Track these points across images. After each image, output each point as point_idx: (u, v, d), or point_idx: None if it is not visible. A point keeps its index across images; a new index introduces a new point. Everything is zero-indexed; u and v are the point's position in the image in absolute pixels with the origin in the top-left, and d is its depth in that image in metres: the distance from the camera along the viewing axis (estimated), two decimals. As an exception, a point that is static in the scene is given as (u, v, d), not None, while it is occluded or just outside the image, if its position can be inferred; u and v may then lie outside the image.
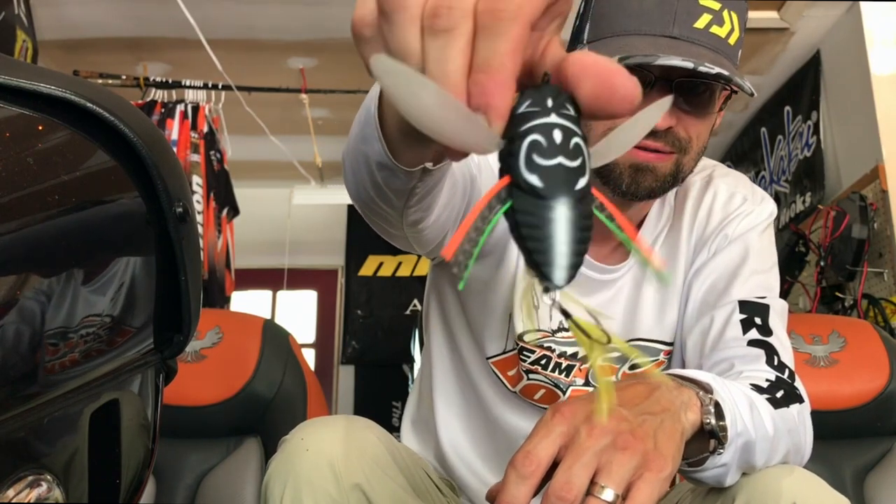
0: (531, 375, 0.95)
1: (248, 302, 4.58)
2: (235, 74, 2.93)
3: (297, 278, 4.30)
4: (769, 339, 0.83)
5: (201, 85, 3.00)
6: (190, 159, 2.88)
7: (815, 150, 2.94)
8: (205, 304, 2.84)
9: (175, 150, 2.60)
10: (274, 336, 1.45)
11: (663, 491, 0.55)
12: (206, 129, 2.98)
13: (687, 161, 0.86)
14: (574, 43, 0.88)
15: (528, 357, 0.94)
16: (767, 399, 0.74)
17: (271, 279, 4.29)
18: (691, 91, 0.82)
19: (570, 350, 0.94)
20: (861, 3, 2.65)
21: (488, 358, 0.97)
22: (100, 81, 2.88)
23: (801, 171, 3.04)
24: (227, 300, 3.18)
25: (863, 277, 2.47)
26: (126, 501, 0.51)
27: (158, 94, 2.99)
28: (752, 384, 0.75)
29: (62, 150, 0.45)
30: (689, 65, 0.76)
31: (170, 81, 3.00)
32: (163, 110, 2.91)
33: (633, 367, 0.94)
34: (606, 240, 0.94)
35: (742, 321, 0.85)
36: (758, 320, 0.85)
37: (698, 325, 0.89)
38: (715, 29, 0.81)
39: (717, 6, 0.81)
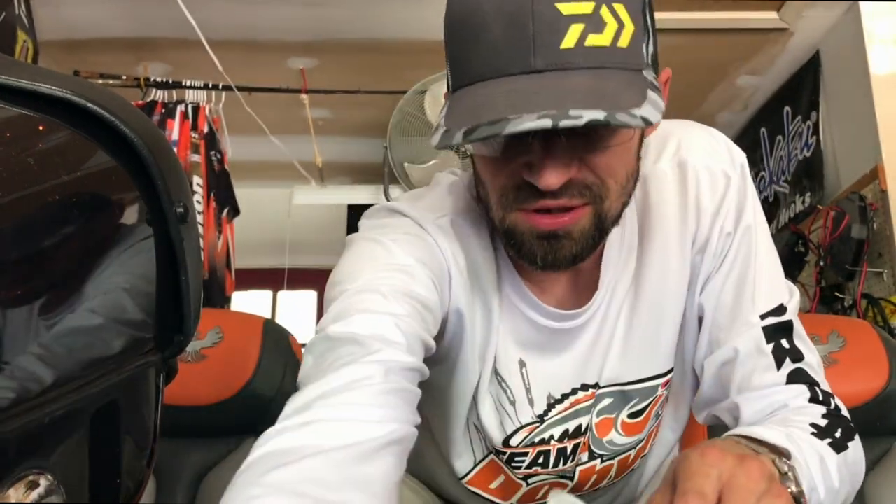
0: (531, 480, 0.87)
1: (248, 302, 4.58)
2: (235, 74, 2.93)
3: (297, 278, 4.30)
4: (802, 366, 0.76)
5: (202, 85, 3.00)
6: (190, 159, 2.88)
7: (814, 150, 2.94)
8: (205, 304, 2.83)
9: (175, 150, 2.60)
10: (274, 336, 1.45)
11: None
12: (206, 130, 2.98)
13: (609, 206, 0.69)
14: (446, 92, 0.72)
15: (522, 462, 0.85)
16: (829, 444, 0.69)
17: (271, 279, 4.29)
18: (582, 131, 0.63)
19: (570, 425, 0.84)
20: (860, 3, 2.65)
21: (461, 479, 0.89)
22: (100, 82, 2.88)
23: (801, 172, 3.04)
24: (227, 300, 3.18)
25: (862, 277, 2.47)
26: (126, 501, 0.51)
27: (159, 95, 2.99)
28: (811, 423, 0.70)
29: (63, 150, 0.45)
30: (546, 123, 0.57)
31: (170, 82, 3.00)
32: (163, 110, 2.91)
33: (631, 415, 0.85)
34: (568, 279, 0.82)
35: (773, 353, 0.76)
36: (785, 343, 0.77)
37: (719, 355, 0.79)
38: (592, 40, 0.61)
39: (588, 8, 0.61)
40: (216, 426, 1.40)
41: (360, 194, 3.70)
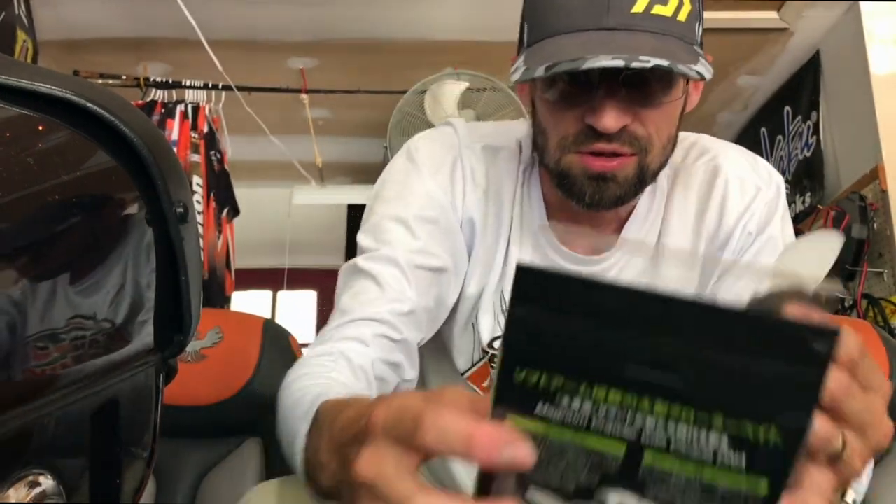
0: None
1: (248, 302, 4.58)
2: (235, 74, 2.92)
3: (297, 278, 4.30)
4: None
5: (201, 85, 3.00)
6: (190, 159, 2.88)
7: (814, 150, 2.94)
8: (205, 304, 2.83)
9: (175, 150, 2.60)
10: (274, 336, 1.45)
11: None
12: (206, 130, 2.98)
13: (651, 160, 0.78)
14: (519, 49, 0.82)
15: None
16: None
17: (271, 279, 4.29)
18: (642, 83, 0.74)
19: None
20: (861, 3, 2.65)
21: (462, 374, 0.95)
22: (100, 81, 2.88)
23: (801, 172, 3.04)
24: (227, 300, 3.18)
25: (862, 277, 2.47)
26: (126, 501, 0.51)
27: (159, 95, 2.99)
28: None
29: (62, 150, 0.45)
30: (620, 63, 0.68)
31: (170, 81, 3.00)
32: (163, 110, 2.91)
33: None
34: (591, 226, 0.89)
35: None
36: None
37: None
38: (658, 9, 0.72)
39: None
40: (216, 426, 1.40)
41: (359, 194, 3.70)
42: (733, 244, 0.86)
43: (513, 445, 0.34)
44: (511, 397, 0.34)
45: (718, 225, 0.87)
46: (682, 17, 0.74)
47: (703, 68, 0.72)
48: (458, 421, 0.35)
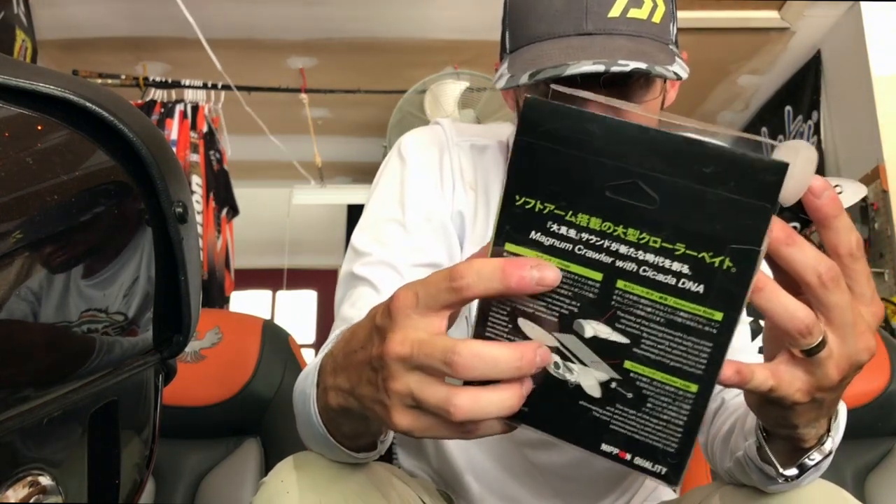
0: None
1: (247, 302, 4.58)
2: (235, 74, 2.92)
3: (296, 278, 4.30)
4: None
5: (201, 85, 3.00)
6: (189, 159, 2.88)
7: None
8: (204, 304, 2.84)
9: (174, 150, 2.59)
10: (274, 336, 1.45)
11: None
12: (205, 129, 2.98)
13: None
14: (501, 56, 0.85)
15: None
16: None
17: (271, 279, 4.29)
18: (622, 85, 0.77)
19: None
20: (861, 3, 2.65)
21: None
22: (99, 81, 2.88)
23: (802, 171, 3.04)
24: (226, 300, 3.18)
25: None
26: (126, 502, 0.50)
27: (158, 94, 2.99)
28: None
29: (61, 150, 0.45)
30: (601, 67, 0.71)
31: (169, 81, 3.00)
32: (162, 110, 2.91)
33: None
34: None
35: (750, 324, 0.83)
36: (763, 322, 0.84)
37: None
38: (633, 13, 0.76)
39: None
40: (215, 426, 1.40)
41: (359, 194, 3.70)
42: None
43: (538, 267, 0.39)
44: (511, 224, 0.40)
45: None
46: (656, 18, 0.77)
47: (679, 68, 0.75)
48: (486, 260, 0.41)
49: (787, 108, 3.18)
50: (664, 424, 0.41)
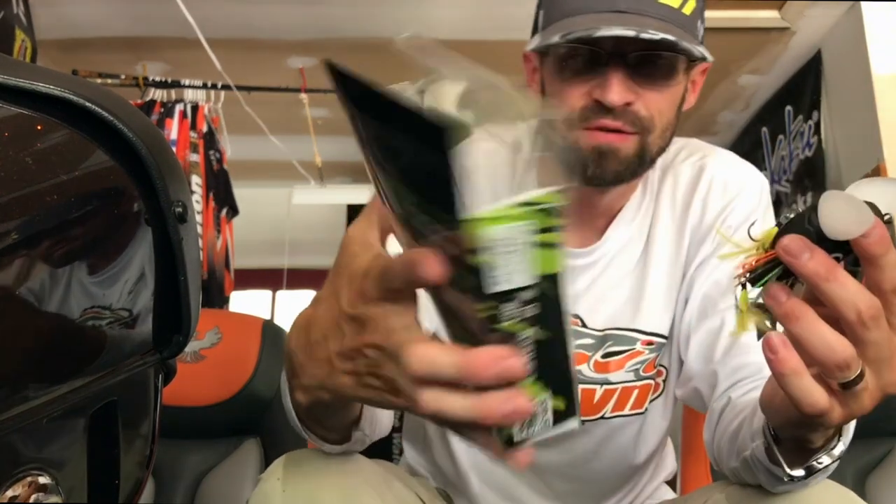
0: None
1: (247, 302, 4.59)
2: (235, 74, 2.92)
3: (296, 278, 4.30)
4: None
5: (201, 84, 3.00)
6: (189, 159, 2.88)
7: (816, 149, 2.94)
8: (204, 304, 2.84)
9: (174, 149, 2.59)
10: (273, 336, 1.45)
11: None
12: (205, 129, 2.98)
13: (652, 141, 0.83)
14: (533, 32, 0.87)
15: None
16: None
17: (271, 279, 4.29)
18: (647, 64, 0.79)
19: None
20: (862, 2, 2.65)
21: None
22: (99, 81, 2.88)
23: (802, 171, 3.04)
24: (226, 300, 3.18)
25: (863, 278, 2.47)
26: (125, 502, 0.50)
27: (158, 94, 2.98)
28: None
29: (61, 150, 0.45)
30: (631, 32, 0.74)
31: (169, 81, 3.00)
32: (162, 110, 2.91)
33: (606, 355, 0.90)
34: (581, 222, 0.92)
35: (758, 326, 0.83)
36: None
37: (704, 325, 0.86)
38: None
39: None
40: (215, 426, 1.40)
41: (359, 194, 3.70)
42: (713, 234, 0.90)
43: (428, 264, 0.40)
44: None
45: (700, 220, 0.91)
46: (686, 10, 0.80)
47: (705, 52, 0.79)
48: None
49: (788, 107, 3.18)
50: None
